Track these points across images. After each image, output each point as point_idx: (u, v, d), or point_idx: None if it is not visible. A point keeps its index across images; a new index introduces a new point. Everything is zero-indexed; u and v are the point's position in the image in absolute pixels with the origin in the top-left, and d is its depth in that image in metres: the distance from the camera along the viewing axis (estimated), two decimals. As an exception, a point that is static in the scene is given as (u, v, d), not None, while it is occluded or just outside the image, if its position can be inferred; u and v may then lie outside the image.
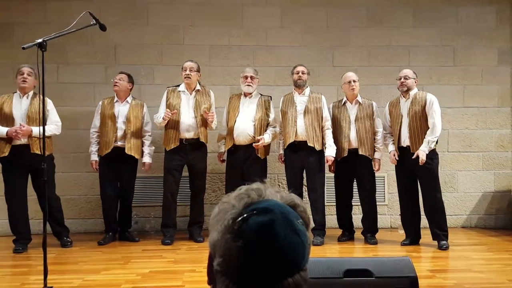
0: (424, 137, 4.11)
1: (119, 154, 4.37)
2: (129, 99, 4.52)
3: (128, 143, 4.39)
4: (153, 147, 4.62)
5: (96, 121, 4.49)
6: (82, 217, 4.99)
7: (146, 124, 4.58)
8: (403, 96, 4.31)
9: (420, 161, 4.02)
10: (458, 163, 5.38)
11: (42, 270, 2.64)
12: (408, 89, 4.25)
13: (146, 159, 4.52)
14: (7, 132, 3.99)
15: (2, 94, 4.23)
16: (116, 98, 4.50)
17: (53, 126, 4.25)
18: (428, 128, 4.13)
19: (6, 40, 5.02)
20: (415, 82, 4.31)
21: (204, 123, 4.45)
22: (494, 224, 5.32)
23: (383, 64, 5.35)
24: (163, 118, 4.36)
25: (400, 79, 4.29)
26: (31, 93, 4.20)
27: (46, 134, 3.90)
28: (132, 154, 4.41)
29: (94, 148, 4.46)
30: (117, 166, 4.40)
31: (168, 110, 4.36)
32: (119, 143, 4.38)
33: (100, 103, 4.53)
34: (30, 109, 4.12)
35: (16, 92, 4.22)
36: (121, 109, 4.45)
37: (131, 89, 4.58)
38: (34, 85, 4.18)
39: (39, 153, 3.95)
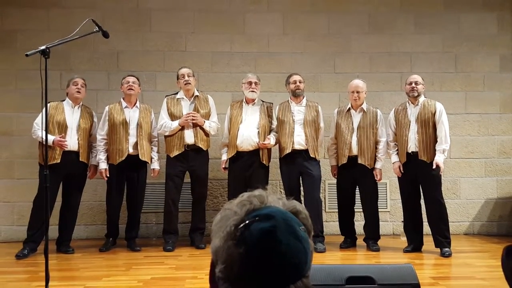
0: (431, 144, 4.14)
1: (131, 162, 4.30)
2: (138, 104, 4.47)
3: (141, 149, 4.32)
4: (159, 153, 4.60)
5: (104, 128, 4.35)
6: (84, 223, 4.98)
7: (153, 129, 4.52)
8: (411, 102, 4.30)
9: (441, 170, 4.10)
10: (460, 169, 5.36)
11: (44, 276, 2.63)
12: (419, 95, 4.25)
13: (155, 165, 4.48)
14: (53, 141, 4.00)
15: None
16: (124, 104, 4.41)
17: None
18: (435, 135, 4.15)
19: (9, 47, 5.04)
20: (423, 88, 4.32)
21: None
22: (497, 231, 5.30)
23: (385, 71, 5.36)
24: (179, 124, 4.34)
25: (411, 84, 4.28)
26: (80, 103, 4.31)
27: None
28: (147, 160, 4.37)
29: (102, 156, 4.31)
30: (127, 174, 4.35)
31: (186, 114, 4.35)
32: (132, 150, 4.31)
33: (107, 109, 4.40)
34: (81, 119, 4.26)
35: (64, 101, 4.29)
36: (132, 115, 4.38)
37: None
38: (84, 96, 4.36)
39: (85, 161, 4.27)
